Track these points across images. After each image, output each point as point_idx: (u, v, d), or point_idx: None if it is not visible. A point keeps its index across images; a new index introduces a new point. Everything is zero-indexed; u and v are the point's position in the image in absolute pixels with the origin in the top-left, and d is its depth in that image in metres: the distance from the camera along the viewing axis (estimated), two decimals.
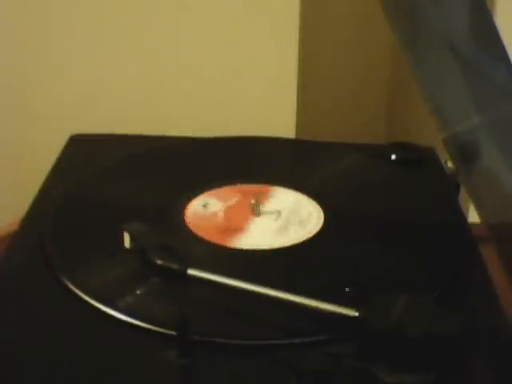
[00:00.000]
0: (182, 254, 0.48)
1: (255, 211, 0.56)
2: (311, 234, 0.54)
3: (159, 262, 0.48)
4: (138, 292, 0.47)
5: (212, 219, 0.55)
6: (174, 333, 0.42)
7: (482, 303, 0.48)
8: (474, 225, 0.56)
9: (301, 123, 0.86)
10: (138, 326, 0.44)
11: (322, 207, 0.57)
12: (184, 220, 0.55)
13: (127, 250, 0.50)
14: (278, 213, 0.56)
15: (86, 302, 0.46)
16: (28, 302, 0.47)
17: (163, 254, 0.48)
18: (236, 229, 0.54)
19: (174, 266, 0.47)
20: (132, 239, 0.49)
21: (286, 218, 0.55)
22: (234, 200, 0.58)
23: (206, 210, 0.56)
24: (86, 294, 0.46)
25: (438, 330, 0.41)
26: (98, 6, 0.82)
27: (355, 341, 0.42)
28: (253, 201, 0.56)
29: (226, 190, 0.59)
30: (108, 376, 0.41)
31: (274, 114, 0.86)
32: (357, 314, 0.42)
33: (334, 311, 0.43)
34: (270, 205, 0.57)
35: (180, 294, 0.47)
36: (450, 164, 0.63)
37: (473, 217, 0.58)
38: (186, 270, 0.47)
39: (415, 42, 0.57)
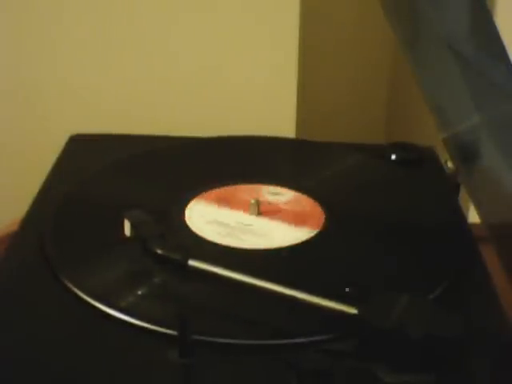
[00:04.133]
0: (183, 245, 0.48)
1: (255, 211, 0.56)
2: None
3: (160, 251, 0.47)
4: (138, 292, 0.47)
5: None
6: (174, 333, 0.42)
7: (481, 303, 0.48)
8: (473, 225, 0.56)
9: (301, 123, 0.86)
10: (138, 326, 0.44)
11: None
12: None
13: (128, 239, 0.49)
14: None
15: (86, 301, 0.46)
16: (28, 301, 0.47)
17: (164, 243, 0.47)
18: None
19: (175, 257, 0.47)
20: (133, 227, 0.49)
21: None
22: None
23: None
24: (85, 293, 0.46)
25: (437, 331, 0.41)
26: (98, 6, 0.82)
27: (355, 340, 0.42)
28: (253, 201, 0.56)
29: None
30: (108, 376, 0.41)
31: (274, 114, 0.86)
32: (356, 311, 0.42)
33: (333, 308, 0.43)
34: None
35: (180, 293, 0.47)
36: (450, 164, 0.63)
37: (473, 217, 0.59)
38: (186, 261, 0.46)
39: (415, 42, 0.57)
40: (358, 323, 0.42)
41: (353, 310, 0.42)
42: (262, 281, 0.45)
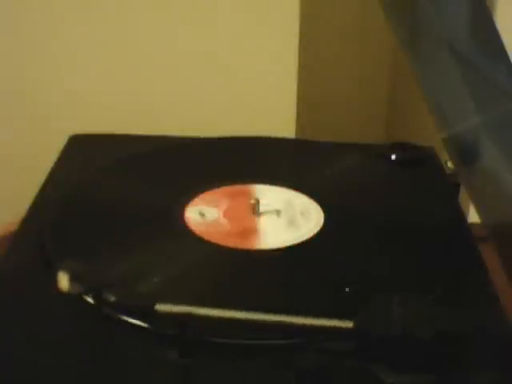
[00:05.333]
0: (142, 290, 0.46)
1: (255, 211, 0.56)
2: (311, 234, 0.53)
3: (120, 300, 0.44)
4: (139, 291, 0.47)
5: (213, 221, 0.55)
6: (174, 333, 0.42)
7: (482, 303, 0.48)
8: (474, 225, 0.56)
9: (301, 123, 0.86)
10: (138, 326, 0.44)
11: (321, 207, 0.57)
12: (184, 221, 0.55)
13: (69, 293, 0.44)
14: (278, 211, 0.56)
15: (86, 301, 0.46)
16: (28, 301, 0.47)
17: (122, 291, 0.44)
18: (242, 230, 0.54)
19: (140, 303, 0.43)
20: (72, 280, 0.43)
21: (287, 215, 0.55)
22: (233, 201, 0.58)
23: (205, 211, 0.56)
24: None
25: (447, 327, 0.41)
26: (98, 6, 0.82)
27: (355, 340, 0.42)
28: (253, 201, 0.56)
29: (225, 190, 0.59)
30: (108, 376, 0.41)
31: (274, 114, 0.86)
32: (351, 325, 0.41)
33: (329, 326, 0.42)
34: (268, 204, 0.57)
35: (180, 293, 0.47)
36: (450, 164, 0.63)
37: (473, 217, 0.58)
38: (153, 307, 0.42)
39: (415, 42, 0.57)
40: (356, 335, 0.42)
41: (349, 324, 0.41)
42: (245, 312, 0.42)
